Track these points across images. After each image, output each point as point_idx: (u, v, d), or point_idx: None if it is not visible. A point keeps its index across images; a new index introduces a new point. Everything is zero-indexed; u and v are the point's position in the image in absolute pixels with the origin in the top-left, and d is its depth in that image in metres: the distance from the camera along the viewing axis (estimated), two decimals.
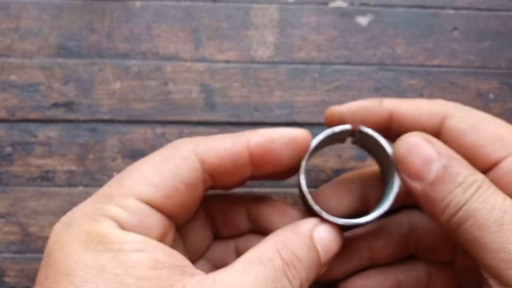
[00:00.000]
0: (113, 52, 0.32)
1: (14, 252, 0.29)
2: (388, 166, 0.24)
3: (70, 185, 0.30)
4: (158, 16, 0.32)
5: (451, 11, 0.33)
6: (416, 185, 0.21)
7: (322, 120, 0.31)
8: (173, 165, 0.21)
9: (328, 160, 0.31)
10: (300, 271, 0.21)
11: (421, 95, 0.32)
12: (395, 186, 0.22)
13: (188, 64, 0.32)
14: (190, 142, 0.23)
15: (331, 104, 0.31)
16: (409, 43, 0.32)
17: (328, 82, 0.32)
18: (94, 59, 0.31)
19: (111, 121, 0.31)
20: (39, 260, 0.29)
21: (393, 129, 0.24)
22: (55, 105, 0.31)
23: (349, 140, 0.27)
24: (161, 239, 0.21)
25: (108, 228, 0.20)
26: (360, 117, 0.24)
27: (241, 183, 0.24)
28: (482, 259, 0.19)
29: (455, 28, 0.33)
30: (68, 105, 0.31)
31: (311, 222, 0.23)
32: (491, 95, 0.32)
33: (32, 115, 0.31)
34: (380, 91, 0.32)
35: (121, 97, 0.31)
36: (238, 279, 0.19)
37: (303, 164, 0.24)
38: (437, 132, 0.23)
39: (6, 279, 0.29)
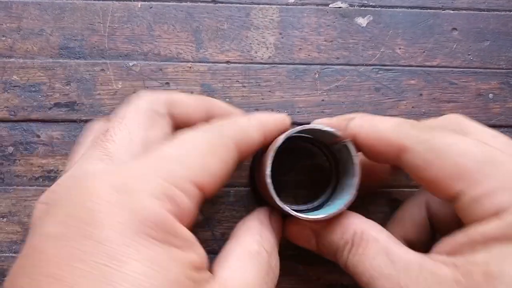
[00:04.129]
0: (115, 53, 0.32)
1: (16, 252, 0.29)
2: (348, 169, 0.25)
3: None
4: (159, 16, 0.32)
5: (451, 12, 0.33)
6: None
7: None
8: (224, 152, 0.22)
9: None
10: (277, 257, 0.23)
11: (420, 95, 0.32)
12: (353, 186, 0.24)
13: (189, 64, 0.32)
14: (229, 130, 0.23)
15: (331, 104, 0.32)
16: (408, 43, 0.32)
17: (328, 82, 0.32)
18: (96, 59, 0.31)
19: None
20: None
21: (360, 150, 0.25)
22: (57, 105, 0.31)
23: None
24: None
25: (169, 215, 0.18)
26: None
27: None
28: None
29: (454, 29, 0.33)
30: (70, 105, 0.31)
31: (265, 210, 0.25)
32: (490, 95, 0.32)
33: (34, 115, 0.31)
34: (379, 91, 0.32)
35: (123, 97, 0.31)
36: (242, 277, 0.20)
37: (272, 153, 0.23)
38: (398, 162, 0.23)
39: None
